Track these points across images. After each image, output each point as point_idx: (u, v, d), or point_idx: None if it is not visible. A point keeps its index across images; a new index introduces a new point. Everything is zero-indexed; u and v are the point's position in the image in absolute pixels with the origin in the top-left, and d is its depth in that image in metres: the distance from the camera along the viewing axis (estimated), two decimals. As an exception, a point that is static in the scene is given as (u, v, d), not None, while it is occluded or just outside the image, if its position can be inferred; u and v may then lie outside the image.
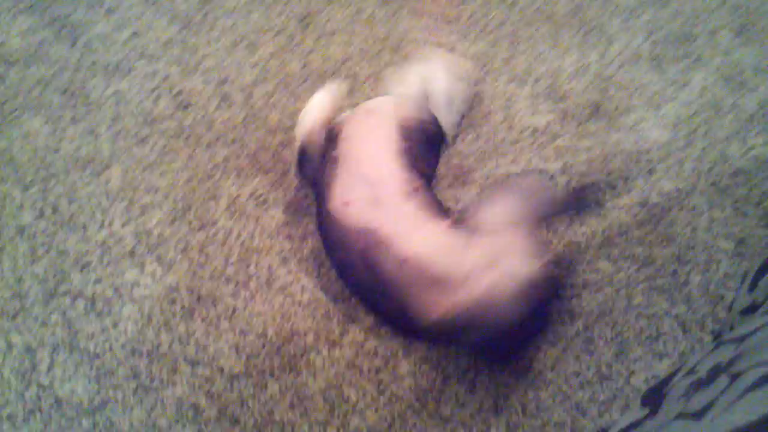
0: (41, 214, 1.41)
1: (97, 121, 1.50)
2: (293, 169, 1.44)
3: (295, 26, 1.61)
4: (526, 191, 1.31)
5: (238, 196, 1.43)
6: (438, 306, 1.15)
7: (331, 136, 1.30)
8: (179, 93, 1.53)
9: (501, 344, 1.21)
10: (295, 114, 1.47)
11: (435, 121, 1.36)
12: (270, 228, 1.40)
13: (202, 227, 1.40)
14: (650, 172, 1.45)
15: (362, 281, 1.23)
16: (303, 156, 1.32)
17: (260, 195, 1.43)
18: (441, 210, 1.27)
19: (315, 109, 1.32)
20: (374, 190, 1.22)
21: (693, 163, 1.46)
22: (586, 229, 1.39)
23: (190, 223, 1.41)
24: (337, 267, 1.30)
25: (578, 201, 1.41)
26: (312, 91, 1.43)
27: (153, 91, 1.53)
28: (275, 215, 1.41)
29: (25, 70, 1.55)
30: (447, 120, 1.40)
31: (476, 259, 1.16)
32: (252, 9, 1.62)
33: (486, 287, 1.13)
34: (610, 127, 1.50)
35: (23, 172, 1.45)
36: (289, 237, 1.39)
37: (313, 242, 1.38)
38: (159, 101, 1.52)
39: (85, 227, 1.40)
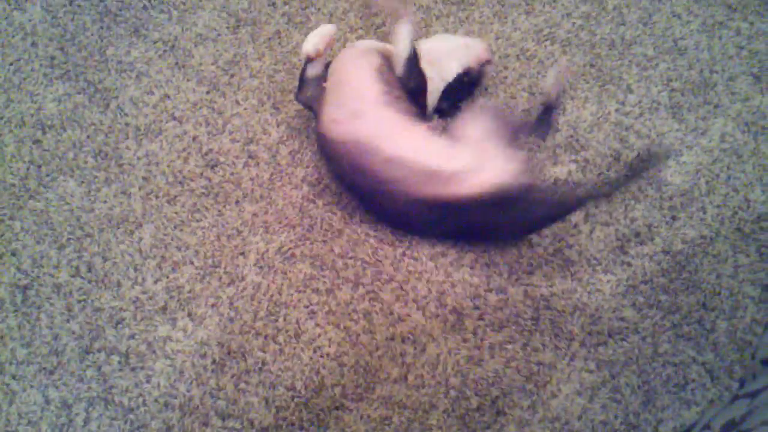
0: (77, 273, 1.45)
1: (130, 182, 1.55)
2: (295, 93, 1.52)
3: (319, 85, 1.66)
4: (498, 113, 1.43)
5: (266, 251, 1.46)
6: (432, 195, 1.31)
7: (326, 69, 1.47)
8: (208, 152, 1.58)
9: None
10: (319, 167, 1.52)
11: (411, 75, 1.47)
12: (297, 282, 1.43)
13: (231, 282, 1.43)
14: (673, 219, 1.46)
15: (355, 184, 1.40)
16: (305, 78, 1.47)
17: (287, 250, 1.46)
18: (418, 118, 1.41)
19: (322, 32, 1.45)
20: (355, 104, 1.38)
21: (716, 209, 1.47)
22: (610, 278, 1.40)
23: (219, 278, 1.44)
24: (336, 177, 1.49)
25: (540, 123, 1.52)
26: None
27: (182, 151, 1.58)
28: (302, 269, 1.44)
29: (61, 134, 1.61)
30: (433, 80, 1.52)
31: (463, 160, 1.32)
32: (277, 70, 1.67)
33: (477, 184, 1.30)
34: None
35: (59, 232, 1.50)
36: (316, 290, 1.41)
37: (340, 295, 1.40)
38: (188, 161, 1.57)
39: (119, 284, 1.44)
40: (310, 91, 1.46)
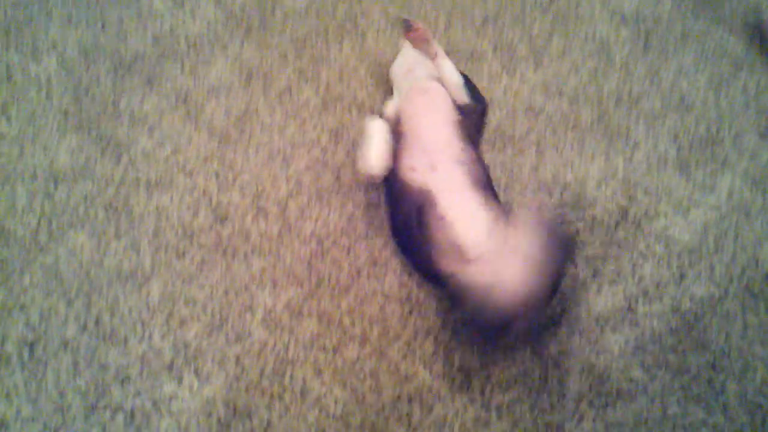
0: (84, 328, 1.46)
1: (140, 236, 1.56)
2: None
3: (327, 140, 1.67)
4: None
5: (274, 307, 1.46)
6: (452, 267, 1.31)
7: (395, 119, 1.52)
8: (217, 206, 1.59)
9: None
10: (329, 224, 1.53)
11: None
12: (304, 339, 1.42)
13: (238, 339, 1.43)
14: (681, 277, 1.46)
15: (412, 234, 1.39)
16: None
17: (295, 306, 1.46)
18: (487, 186, 1.42)
19: (377, 148, 1.46)
20: (432, 157, 1.40)
21: (724, 267, 1.47)
22: (618, 337, 1.39)
23: (226, 334, 1.44)
24: (395, 221, 1.48)
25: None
26: (344, 203, 1.50)
27: (192, 204, 1.59)
28: (309, 326, 1.44)
29: (72, 187, 1.62)
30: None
31: (495, 247, 1.29)
32: (287, 124, 1.69)
33: (491, 277, 1.25)
34: (638, 233, 1.51)
35: (68, 286, 1.50)
36: (323, 348, 1.41)
37: (347, 353, 1.40)
38: (198, 215, 1.58)
39: (126, 340, 1.44)
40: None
